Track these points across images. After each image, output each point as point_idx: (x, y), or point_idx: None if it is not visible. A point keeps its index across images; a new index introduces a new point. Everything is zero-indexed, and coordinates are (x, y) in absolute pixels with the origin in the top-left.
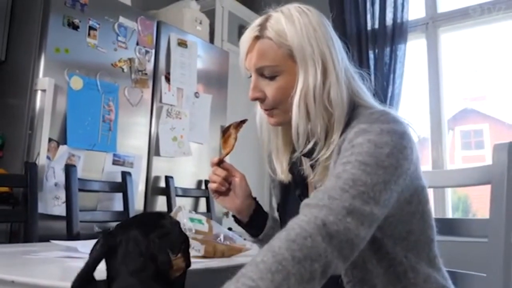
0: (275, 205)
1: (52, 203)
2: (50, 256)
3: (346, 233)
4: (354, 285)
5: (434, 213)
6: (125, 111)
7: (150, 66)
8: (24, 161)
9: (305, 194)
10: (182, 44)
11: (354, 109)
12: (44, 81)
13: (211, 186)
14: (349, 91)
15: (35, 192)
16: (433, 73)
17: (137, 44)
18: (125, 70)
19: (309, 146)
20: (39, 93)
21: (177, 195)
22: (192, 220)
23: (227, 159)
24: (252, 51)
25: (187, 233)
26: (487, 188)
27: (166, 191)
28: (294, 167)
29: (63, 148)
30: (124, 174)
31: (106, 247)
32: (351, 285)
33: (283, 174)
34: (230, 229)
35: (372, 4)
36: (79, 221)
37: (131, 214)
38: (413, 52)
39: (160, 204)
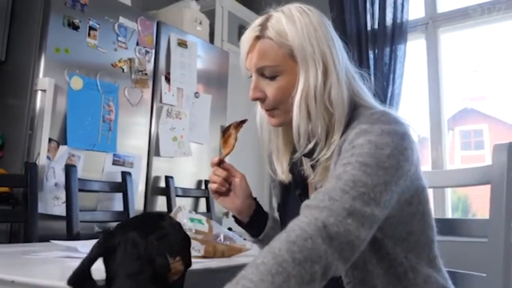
0: (275, 205)
1: (52, 203)
2: (50, 256)
3: (346, 235)
4: (354, 286)
5: (434, 213)
6: (125, 111)
7: (150, 66)
8: (24, 161)
9: (305, 194)
10: (182, 44)
11: (354, 109)
12: (44, 81)
13: (211, 186)
14: (349, 91)
15: (35, 192)
16: (433, 73)
17: (137, 44)
18: (125, 70)
19: (310, 146)
20: (39, 93)
21: (177, 195)
22: (192, 220)
23: (227, 159)
24: (253, 51)
25: (188, 233)
26: (486, 188)
27: (166, 191)
28: (294, 167)
29: (63, 148)
30: (124, 174)
31: (103, 247)
32: (351, 286)
33: (283, 174)
34: (230, 229)
35: (372, 4)
36: (79, 221)
37: (131, 214)
38: (413, 52)
39: (160, 204)
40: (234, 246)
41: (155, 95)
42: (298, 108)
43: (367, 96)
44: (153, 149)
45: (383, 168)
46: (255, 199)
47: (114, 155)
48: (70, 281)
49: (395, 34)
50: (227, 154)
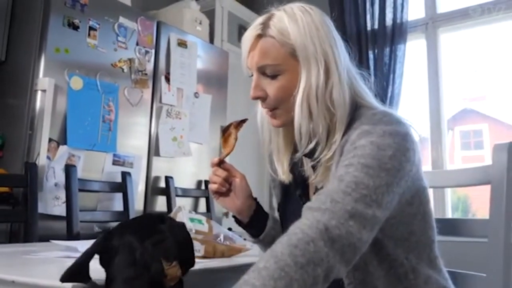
0: (275, 205)
1: (52, 203)
2: (50, 256)
3: (348, 237)
4: (355, 286)
5: (434, 213)
6: (125, 111)
7: (150, 66)
8: (24, 161)
9: (305, 194)
10: (182, 44)
11: (356, 109)
12: (44, 81)
13: (212, 187)
14: (351, 91)
15: (35, 192)
16: (433, 73)
17: (137, 44)
18: (125, 70)
19: (311, 146)
20: (39, 93)
21: (177, 195)
22: (192, 220)
23: (228, 159)
24: (254, 50)
25: None
26: (486, 188)
27: (166, 191)
28: (295, 168)
29: (63, 148)
30: (124, 174)
31: (100, 246)
32: (352, 287)
33: (284, 174)
34: (230, 229)
35: (372, 4)
36: (79, 221)
37: (131, 214)
38: (413, 52)
39: (160, 204)
40: (234, 246)
41: (155, 95)
42: (300, 108)
43: (369, 96)
44: (153, 149)
45: (385, 170)
46: (255, 199)
47: (114, 155)
48: (63, 278)
49: (395, 34)
50: (227, 154)
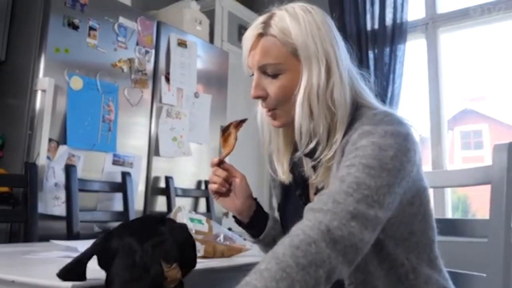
0: (275, 205)
1: (52, 203)
2: (50, 256)
3: (350, 238)
4: (356, 287)
5: (434, 214)
6: (125, 111)
7: (150, 66)
8: (24, 161)
9: (305, 194)
10: (182, 44)
11: (357, 109)
12: (44, 81)
13: (212, 187)
14: (352, 91)
15: (35, 192)
16: (433, 73)
17: (137, 44)
18: (125, 70)
19: (311, 146)
20: (39, 93)
21: (177, 195)
22: (192, 220)
23: (227, 160)
24: (256, 48)
25: None
26: (486, 188)
27: (166, 191)
28: (295, 168)
29: (63, 148)
30: (124, 174)
31: (99, 247)
32: (353, 287)
33: (284, 175)
34: (230, 229)
35: (372, 4)
36: (79, 221)
37: (131, 214)
38: (413, 52)
39: (160, 204)
40: (234, 246)
41: (155, 95)
42: (301, 107)
43: (369, 96)
44: (153, 149)
45: (387, 170)
46: (255, 199)
47: (114, 155)
48: (60, 274)
49: (395, 34)
50: (227, 154)
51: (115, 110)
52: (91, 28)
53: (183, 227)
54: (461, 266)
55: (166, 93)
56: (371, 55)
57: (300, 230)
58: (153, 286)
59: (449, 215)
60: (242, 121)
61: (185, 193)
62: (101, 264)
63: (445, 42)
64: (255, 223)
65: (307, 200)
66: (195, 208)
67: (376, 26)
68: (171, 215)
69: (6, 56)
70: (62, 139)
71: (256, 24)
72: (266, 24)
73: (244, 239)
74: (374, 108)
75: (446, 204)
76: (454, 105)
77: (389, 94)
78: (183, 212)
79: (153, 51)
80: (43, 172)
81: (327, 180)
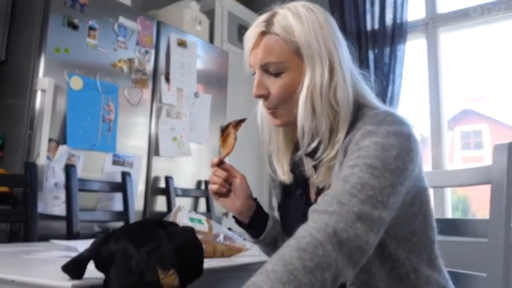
0: (275, 205)
1: (52, 203)
2: (50, 255)
3: (356, 240)
4: (357, 287)
5: (434, 213)
6: (125, 111)
7: (150, 66)
8: (24, 161)
9: (306, 194)
10: (182, 44)
11: (358, 109)
12: (44, 81)
13: (212, 187)
14: (354, 91)
15: (35, 192)
16: (433, 73)
17: (137, 44)
18: (125, 70)
19: (313, 145)
20: (39, 93)
21: (177, 195)
22: (192, 220)
23: (227, 160)
24: (258, 47)
25: None
26: (486, 188)
27: (166, 191)
28: (295, 168)
29: (63, 148)
30: (124, 174)
31: (96, 251)
32: (354, 287)
33: (284, 175)
34: (230, 229)
35: (372, 4)
36: (79, 221)
37: (131, 214)
38: (413, 52)
39: (160, 204)
40: (233, 246)
41: (155, 95)
42: (303, 106)
43: (370, 96)
44: (153, 149)
45: (390, 170)
46: (255, 199)
47: (114, 155)
48: (64, 267)
49: (395, 34)
50: (227, 155)
51: (115, 110)
52: (91, 28)
53: (187, 232)
54: (461, 266)
55: (166, 93)
56: (371, 55)
57: (307, 232)
58: None
59: (449, 215)
60: (241, 121)
61: (185, 193)
62: (98, 267)
63: (445, 42)
64: (255, 223)
65: (307, 200)
66: (195, 208)
67: (376, 26)
68: (171, 215)
69: (6, 56)
70: (62, 139)
71: (258, 23)
72: (269, 22)
73: (244, 239)
74: (375, 108)
75: (446, 204)
76: (454, 105)
77: (389, 94)
78: (183, 212)
79: (153, 51)
80: (43, 172)
81: (328, 180)
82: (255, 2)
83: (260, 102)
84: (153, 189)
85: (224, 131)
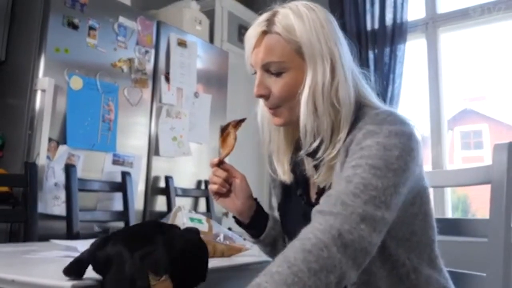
0: (275, 204)
1: (52, 203)
2: (50, 255)
3: (360, 242)
4: (358, 287)
5: (434, 213)
6: (125, 111)
7: (149, 66)
8: (24, 161)
9: (307, 194)
10: (182, 44)
11: (359, 108)
12: (44, 81)
13: (212, 187)
14: (355, 90)
15: (35, 192)
16: (433, 73)
17: (137, 44)
18: (125, 70)
19: (315, 144)
20: (39, 93)
21: (177, 195)
22: (192, 219)
23: (227, 160)
24: (259, 46)
25: None
26: (486, 188)
27: (166, 191)
28: (296, 167)
29: (63, 148)
30: (124, 174)
31: (93, 254)
32: (355, 287)
33: (285, 175)
34: (230, 229)
35: (372, 4)
36: (79, 221)
37: (131, 214)
38: (413, 52)
39: (160, 204)
40: (233, 245)
41: (155, 95)
42: (305, 105)
43: (371, 96)
44: (153, 149)
45: (392, 170)
46: (255, 199)
47: (114, 155)
48: (66, 271)
49: (395, 34)
50: (227, 155)
51: (115, 110)
52: (91, 28)
53: (190, 234)
54: (461, 265)
55: (166, 93)
56: (371, 55)
57: (312, 234)
58: None
59: (449, 214)
60: (241, 121)
61: (185, 193)
62: (96, 269)
63: (445, 42)
64: (255, 223)
65: (308, 200)
66: (195, 208)
67: (376, 26)
68: (171, 215)
69: (6, 56)
70: (62, 139)
71: (259, 22)
72: (270, 21)
73: (244, 239)
74: (376, 107)
75: (446, 203)
76: (454, 105)
77: (389, 94)
78: (183, 212)
79: (153, 51)
80: (43, 172)
81: (329, 179)
82: (255, 2)
83: (261, 101)
84: (153, 189)
85: (223, 131)
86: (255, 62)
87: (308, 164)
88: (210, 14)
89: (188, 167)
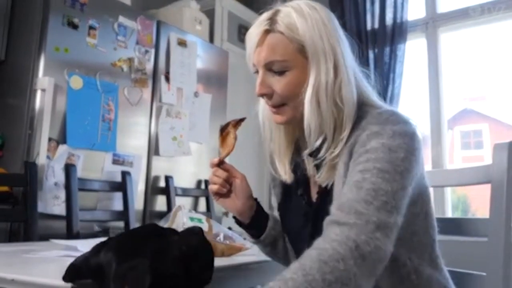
0: (275, 204)
1: (52, 202)
2: (50, 255)
3: (377, 251)
4: None
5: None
6: (125, 110)
7: (149, 66)
8: (24, 161)
9: (307, 193)
10: (182, 43)
11: (361, 107)
12: (44, 80)
13: (212, 188)
14: (357, 89)
15: (35, 191)
16: (433, 73)
17: (137, 43)
18: (125, 69)
19: (318, 143)
20: (39, 92)
21: (176, 195)
22: (192, 219)
23: (227, 160)
24: (262, 45)
25: None
26: (485, 188)
27: (166, 191)
28: (296, 167)
29: (62, 148)
30: (124, 174)
31: (91, 255)
32: None
33: (286, 175)
34: (230, 228)
35: (372, 4)
36: (79, 221)
37: (131, 214)
38: (413, 52)
39: (160, 203)
40: (234, 245)
41: (155, 94)
42: (309, 104)
43: (372, 95)
44: (153, 149)
45: (399, 173)
46: (255, 199)
47: (114, 154)
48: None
49: (395, 33)
50: (227, 154)
51: (115, 109)
52: (90, 28)
53: (193, 237)
54: (461, 265)
55: (166, 92)
56: (371, 54)
57: (328, 245)
58: None
59: (449, 214)
60: (241, 120)
61: (185, 192)
62: (88, 276)
63: (445, 41)
64: (255, 223)
65: (309, 200)
66: (195, 207)
67: (376, 25)
68: (171, 215)
69: (6, 55)
70: (62, 139)
71: (261, 21)
72: (272, 20)
73: (244, 239)
74: (378, 106)
75: (446, 203)
76: (454, 105)
77: (389, 94)
78: (183, 211)
79: (153, 51)
80: (43, 171)
81: (331, 178)
82: (255, 1)
83: (262, 100)
84: (153, 188)
85: (223, 130)
86: (258, 61)
87: (309, 164)
88: (210, 13)
89: (188, 166)
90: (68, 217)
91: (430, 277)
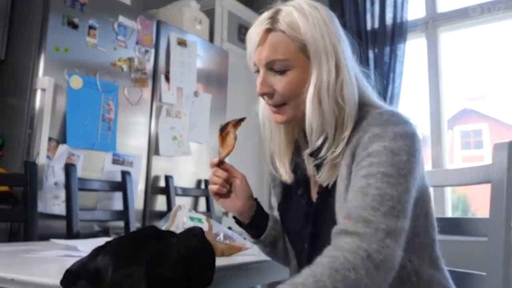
0: (275, 204)
1: (52, 202)
2: (50, 255)
3: (389, 259)
4: None
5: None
6: (125, 110)
7: (149, 66)
8: (24, 161)
9: (307, 194)
10: (182, 43)
11: (361, 107)
12: (43, 80)
13: (212, 188)
14: (358, 88)
15: (35, 191)
16: (433, 72)
17: (137, 43)
18: (125, 69)
19: (319, 142)
20: (38, 92)
21: (176, 195)
22: (191, 219)
23: (227, 159)
24: (263, 44)
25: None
26: (485, 188)
27: (165, 191)
28: (297, 167)
29: (62, 147)
30: (124, 174)
31: (89, 259)
32: None
33: (286, 175)
34: (230, 228)
35: (372, 3)
36: (79, 220)
37: (131, 214)
38: (413, 52)
39: (160, 203)
40: (233, 245)
41: (155, 94)
42: (311, 103)
43: (372, 94)
44: (153, 148)
45: (403, 176)
46: (255, 199)
47: (114, 154)
48: (63, 282)
49: (395, 33)
50: (227, 154)
51: (115, 109)
52: (90, 27)
53: (193, 238)
54: (461, 265)
55: (166, 92)
56: (371, 54)
57: (340, 253)
58: None
59: (449, 214)
60: (241, 120)
61: (185, 192)
62: (86, 281)
63: (445, 41)
64: (255, 223)
65: (309, 200)
66: (195, 207)
67: (376, 25)
68: (171, 214)
69: (6, 55)
70: (62, 138)
71: (262, 20)
72: (274, 19)
73: (244, 238)
74: (378, 106)
75: (446, 203)
76: (454, 104)
77: (389, 94)
78: (183, 211)
79: (153, 50)
80: (43, 171)
81: (332, 178)
82: (255, 1)
83: (261, 100)
84: (153, 188)
85: (223, 130)
86: (259, 60)
87: (309, 163)
88: (210, 13)
89: (188, 166)
90: (68, 217)
91: (430, 278)
